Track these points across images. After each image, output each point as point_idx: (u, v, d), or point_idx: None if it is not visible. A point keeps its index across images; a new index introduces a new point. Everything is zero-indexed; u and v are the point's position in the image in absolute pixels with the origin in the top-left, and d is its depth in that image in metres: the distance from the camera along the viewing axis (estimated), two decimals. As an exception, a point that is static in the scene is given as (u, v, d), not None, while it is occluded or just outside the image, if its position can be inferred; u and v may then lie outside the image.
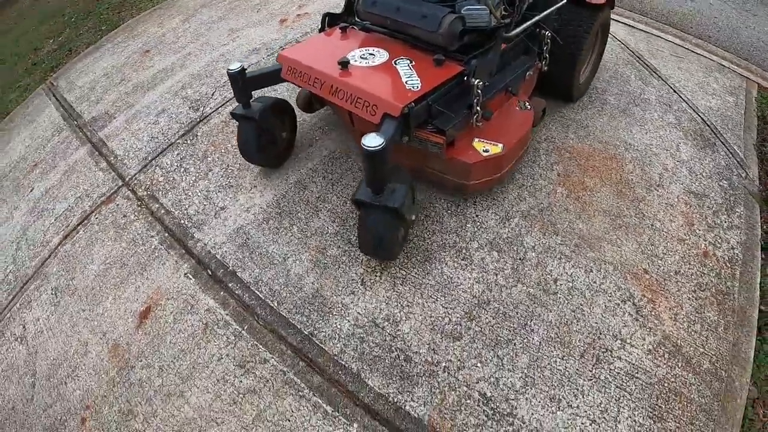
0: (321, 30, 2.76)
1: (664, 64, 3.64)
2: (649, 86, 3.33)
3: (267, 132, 2.66)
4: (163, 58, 4.21)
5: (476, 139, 2.34)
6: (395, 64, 2.30)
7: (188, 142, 3.14)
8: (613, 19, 4.24)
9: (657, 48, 3.87)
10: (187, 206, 2.74)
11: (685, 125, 3.05)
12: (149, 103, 3.63)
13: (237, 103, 2.61)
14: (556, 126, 2.96)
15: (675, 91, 3.33)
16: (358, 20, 2.69)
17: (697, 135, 3.00)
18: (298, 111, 2.91)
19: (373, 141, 1.86)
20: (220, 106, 3.34)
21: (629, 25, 4.20)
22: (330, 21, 2.76)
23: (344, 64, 2.26)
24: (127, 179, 3.04)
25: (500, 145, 2.31)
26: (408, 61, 2.30)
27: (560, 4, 2.67)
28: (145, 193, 2.90)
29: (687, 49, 3.94)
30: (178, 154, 3.08)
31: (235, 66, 2.41)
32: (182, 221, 2.66)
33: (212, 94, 3.49)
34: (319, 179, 2.75)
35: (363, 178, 2.01)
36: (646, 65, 3.59)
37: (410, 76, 2.20)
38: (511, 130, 2.43)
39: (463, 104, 2.27)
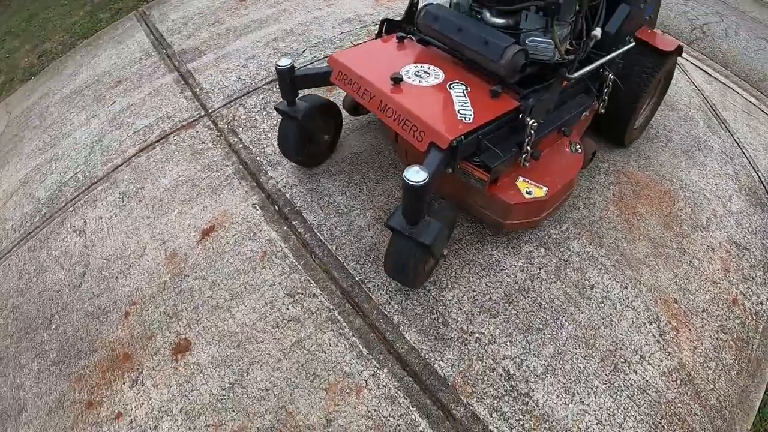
0: (378, 36, 2.70)
1: (734, 117, 3.71)
2: (715, 135, 3.42)
3: (308, 132, 2.60)
4: (258, 9, 4.41)
5: (521, 178, 2.25)
6: (450, 88, 2.21)
7: (274, 89, 3.33)
8: (693, 64, 4.32)
9: (730, 101, 3.94)
10: (264, 146, 2.93)
11: (741, 180, 3.13)
12: (240, 47, 3.83)
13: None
14: (620, 151, 3.08)
15: (739, 146, 3.40)
16: (416, 31, 2.55)
17: (751, 192, 3.07)
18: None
19: (416, 176, 1.78)
20: (308, 64, 3.51)
21: (708, 73, 4.26)
22: (388, 28, 2.69)
23: (397, 81, 2.17)
24: (209, 111, 3.25)
25: (544, 189, 2.23)
26: (463, 87, 2.22)
27: (629, 47, 2.58)
28: (225, 126, 3.10)
29: (761, 109, 4.00)
30: (262, 98, 3.27)
31: (284, 62, 2.33)
32: (258, 158, 2.85)
33: (302, 52, 3.67)
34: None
35: (400, 203, 1.95)
36: (716, 115, 3.66)
37: (463, 105, 2.11)
38: (558, 172, 2.33)
39: (513, 141, 2.18)
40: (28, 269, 2.67)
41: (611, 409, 1.99)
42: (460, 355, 2.06)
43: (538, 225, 2.50)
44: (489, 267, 2.35)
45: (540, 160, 2.30)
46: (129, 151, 3.16)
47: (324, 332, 2.12)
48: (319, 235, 2.45)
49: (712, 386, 2.15)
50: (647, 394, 2.05)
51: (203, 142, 3.02)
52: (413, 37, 2.57)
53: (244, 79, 3.45)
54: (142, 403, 2.02)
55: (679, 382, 2.12)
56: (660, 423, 1.98)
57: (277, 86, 3.09)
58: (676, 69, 3.21)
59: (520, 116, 2.14)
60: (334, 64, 2.39)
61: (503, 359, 2.06)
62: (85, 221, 2.82)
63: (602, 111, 2.72)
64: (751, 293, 2.53)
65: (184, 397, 2.01)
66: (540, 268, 2.37)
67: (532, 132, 2.13)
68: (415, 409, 1.92)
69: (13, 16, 6.55)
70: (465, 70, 2.34)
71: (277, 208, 2.60)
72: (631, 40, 2.62)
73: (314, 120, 2.60)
